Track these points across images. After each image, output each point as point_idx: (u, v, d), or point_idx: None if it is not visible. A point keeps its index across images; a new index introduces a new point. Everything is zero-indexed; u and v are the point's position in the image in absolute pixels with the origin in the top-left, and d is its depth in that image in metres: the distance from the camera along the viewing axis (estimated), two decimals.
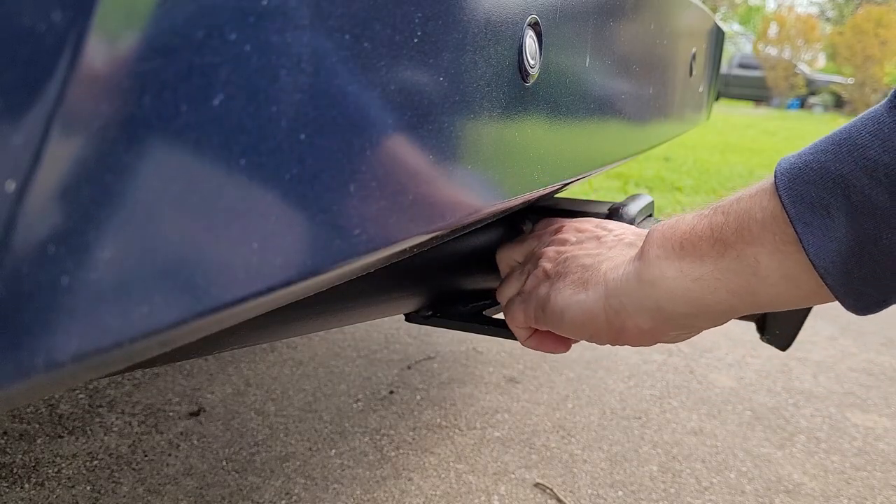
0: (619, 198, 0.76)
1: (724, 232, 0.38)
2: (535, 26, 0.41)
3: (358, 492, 0.99)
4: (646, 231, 0.48)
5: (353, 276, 0.32)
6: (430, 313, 0.64)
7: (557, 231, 0.55)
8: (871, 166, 0.33)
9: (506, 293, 0.56)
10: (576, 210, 0.68)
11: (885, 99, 0.34)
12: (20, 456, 1.02)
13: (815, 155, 0.35)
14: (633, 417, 1.25)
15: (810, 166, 0.34)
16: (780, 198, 0.35)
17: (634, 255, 0.44)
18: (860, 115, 0.35)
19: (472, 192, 0.37)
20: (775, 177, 0.36)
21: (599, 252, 0.48)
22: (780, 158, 0.38)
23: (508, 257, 0.59)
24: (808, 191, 0.34)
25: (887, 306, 0.36)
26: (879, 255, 0.33)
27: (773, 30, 19.04)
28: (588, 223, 0.54)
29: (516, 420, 1.21)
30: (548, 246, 0.53)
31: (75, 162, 0.18)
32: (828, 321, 1.81)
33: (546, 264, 0.51)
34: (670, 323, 0.42)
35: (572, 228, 0.54)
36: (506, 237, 0.66)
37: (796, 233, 0.34)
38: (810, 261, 0.34)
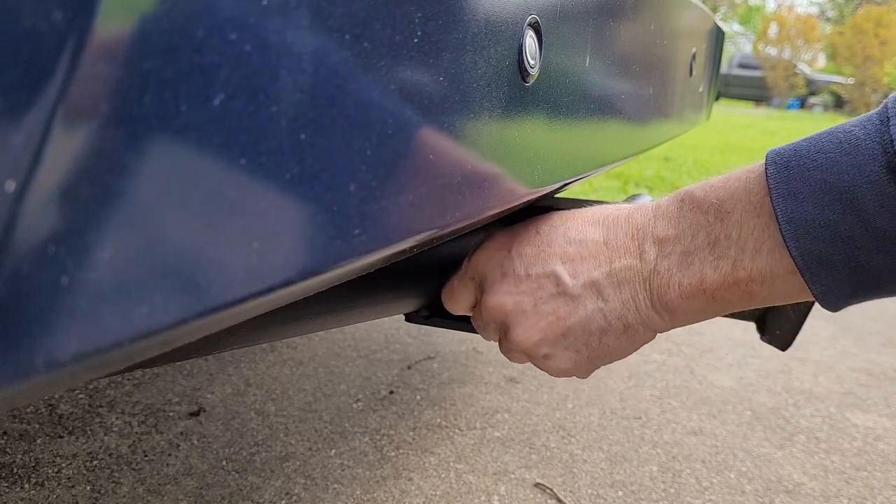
0: (619, 198, 0.76)
1: (752, 286, 0.41)
2: (535, 26, 0.41)
3: (358, 492, 0.99)
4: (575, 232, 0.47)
5: (353, 276, 0.32)
6: (429, 313, 0.64)
7: (489, 312, 0.49)
8: (880, 236, 0.35)
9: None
10: None
11: (882, 153, 0.35)
12: (20, 456, 1.02)
13: (822, 211, 0.36)
14: (633, 417, 1.25)
15: (817, 222, 0.37)
16: (789, 252, 0.38)
17: (650, 304, 0.44)
18: (850, 155, 0.36)
19: (471, 192, 0.37)
20: (779, 223, 0.38)
21: (597, 307, 0.45)
22: (772, 163, 0.39)
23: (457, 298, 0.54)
24: (816, 247, 0.37)
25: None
26: (873, 289, 0.38)
27: (773, 30, 19.04)
28: (509, 280, 0.48)
29: (516, 420, 1.21)
30: (513, 330, 0.48)
31: (75, 162, 0.18)
32: (828, 321, 1.81)
33: (519, 356, 0.50)
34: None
35: (506, 295, 0.48)
36: None
37: (806, 283, 0.38)
38: (819, 303, 0.39)
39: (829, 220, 0.36)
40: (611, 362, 0.49)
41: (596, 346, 0.47)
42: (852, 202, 0.36)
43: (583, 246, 0.46)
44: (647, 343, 0.48)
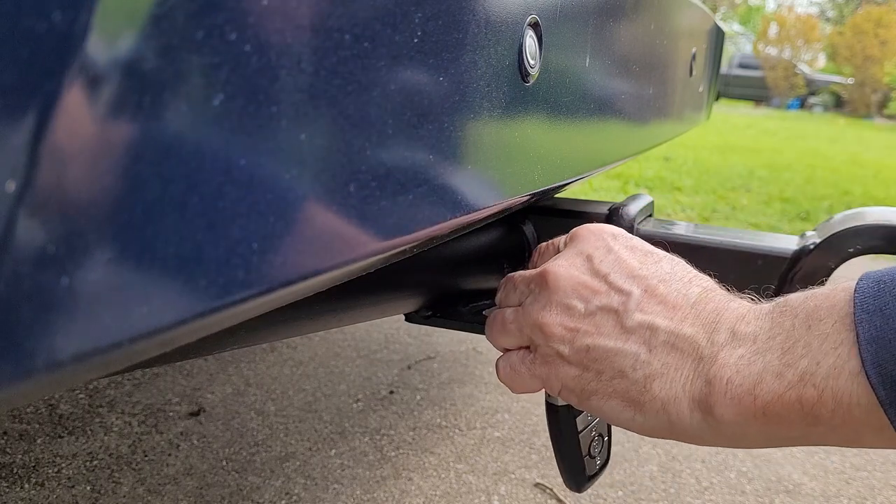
0: (619, 198, 0.76)
1: (819, 409, 0.34)
2: (535, 26, 0.41)
3: (358, 492, 0.99)
4: (661, 287, 0.42)
5: (353, 276, 0.32)
6: (430, 313, 0.64)
7: (546, 281, 0.45)
8: None
9: (500, 343, 0.49)
10: (576, 210, 0.68)
11: None
12: (20, 456, 1.02)
13: None
14: None
15: None
16: (867, 376, 0.32)
17: (692, 393, 0.38)
18: None
19: (472, 192, 0.37)
20: (860, 348, 0.32)
21: (637, 355, 0.40)
22: (861, 298, 0.33)
23: (504, 297, 0.50)
24: None
25: None
26: None
27: (773, 30, 19.05)
28: (581, 269, 0.44)
29: (516, 420, 1.21)
30: (546, 310, 0.44)
31: (75, 162, 0.18)
32: None
33: (559, 347, 0.43)
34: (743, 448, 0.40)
35: (567, 280, 0.44)
36: (506, 237, 0.66)
37: (891, 421, 0.31)
38: None
39: None
40: (601, 416, 0.43)
41: (604, 383, 0.42)
42: None
43: (674, 293, 0.41)
44: (653, 433, 0.41)
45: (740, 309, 0.39)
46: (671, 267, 0.44)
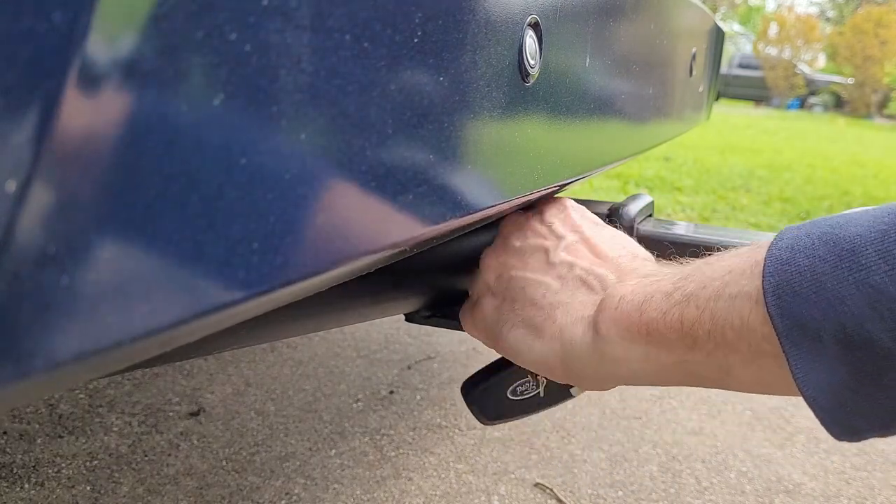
0: (619, 198, 0.76)
1: (697, 329, 0.34)
2: (535, 26, 0.41)
3: (358, 492, 0.99)
4: (600, 242, 0.45)
5: (353, 276, 0.32)
6: (429, 313, 0.64)
7: (499, 228, 0.50)
8: (874, 296, 0.28)
9: (473, 295, 0.53)
10: None
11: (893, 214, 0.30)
12: (20, 456, 1.02)
13: (812, 261, 0.30)
14: (633, 417, 1.24)
15: (803, 274, 0.30)
16: (766, 304, 0.30)
17: (590, 316, 0.40)
18: (868, 218, 0.30)
19: (472, 192, 0.37)
20: (764, 272, 0.31)
21: (549, 286, 0.44)
22: (773, 244, 0.32)
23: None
24: (798, 305, 0.29)
25: (876, 437, 0.32)
26: (879, 393, 0.29)
27: (773, 30, 19.05)
28: (531, 218, 0.49)
29: (516, 420, 1.21)
30: (490, 250, 0.50)
31: (75, 161, 0.18)
32: None
33: (487, 275, 0.48)
34: (628, 384, 0.41)
35: (516, 224, 0.49)
36: None
37: (784, 352, 0.30)
38: (797, 386, 0.31)
39: (817, 275, 0.29)
40: (504, 349, 0.45)
41: (515, 313, 0.45)
42: (849, 255, 0.29)
43: (607, 248, 0.45)
44: (541, 365, 0.43)
45: (657, 266, 0.43)
46: (613, 235, 0.47)
